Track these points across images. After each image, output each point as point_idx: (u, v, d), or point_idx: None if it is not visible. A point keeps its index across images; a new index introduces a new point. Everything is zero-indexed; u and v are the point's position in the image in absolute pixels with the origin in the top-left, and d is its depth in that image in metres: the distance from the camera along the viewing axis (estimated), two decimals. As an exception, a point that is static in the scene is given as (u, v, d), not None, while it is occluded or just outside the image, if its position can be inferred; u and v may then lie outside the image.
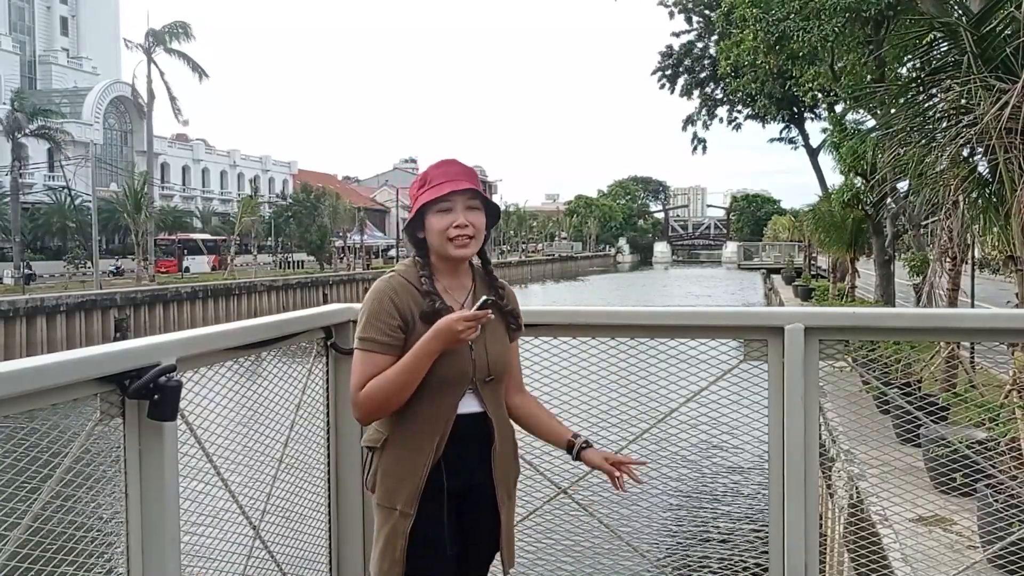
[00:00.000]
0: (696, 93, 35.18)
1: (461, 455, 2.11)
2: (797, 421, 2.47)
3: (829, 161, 22.25)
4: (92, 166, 37.17)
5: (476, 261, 2.24)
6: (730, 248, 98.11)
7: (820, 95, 24.16)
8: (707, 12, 32.21)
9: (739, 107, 34.52)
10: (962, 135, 5.38)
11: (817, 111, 30.65)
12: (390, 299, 2.07)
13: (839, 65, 19.63)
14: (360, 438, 2.73)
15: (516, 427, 2.30)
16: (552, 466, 2.77)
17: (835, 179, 24.37)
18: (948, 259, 8.55)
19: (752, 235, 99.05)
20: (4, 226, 40.35)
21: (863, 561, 3.11)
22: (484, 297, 2.03)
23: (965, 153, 5.81)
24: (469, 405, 2.13)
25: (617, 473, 2.15)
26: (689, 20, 34.28)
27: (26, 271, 34.49)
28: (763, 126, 34.01)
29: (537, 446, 2.76)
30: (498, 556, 2.20)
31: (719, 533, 6.96)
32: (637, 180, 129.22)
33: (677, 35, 35.02)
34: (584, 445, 2.20)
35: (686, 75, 35.18)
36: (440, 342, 1.98)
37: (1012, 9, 5.23)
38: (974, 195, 6.09)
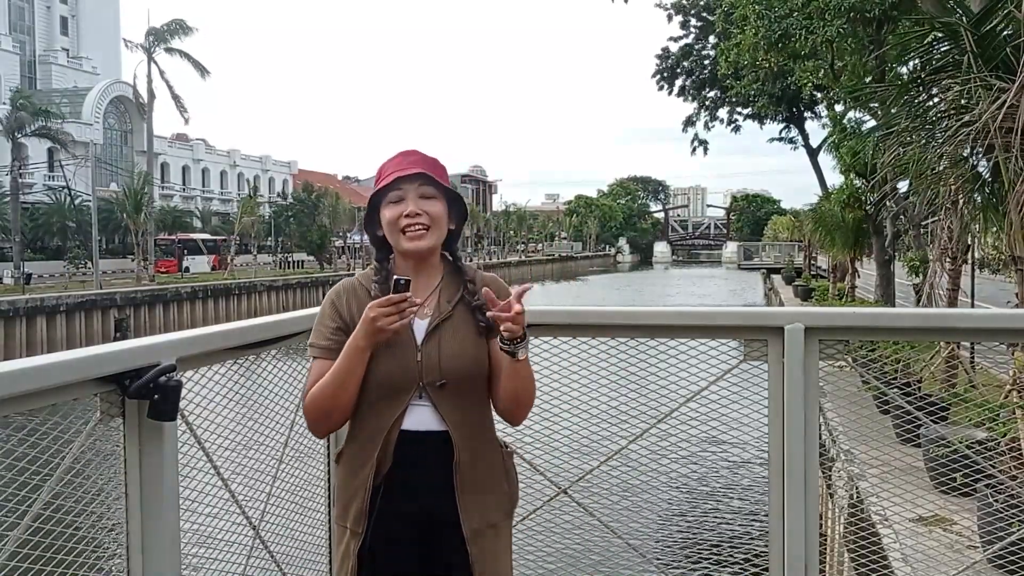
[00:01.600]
0: (694, 95, 35.21)
1: (408, 476, 1.87)
2: (797, 421, 2.46)
3: (829, 161, 22.30)
4: (92, 166, 37.19)
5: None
6: (730, 248, 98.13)
7: (819, 93, 24.16)
8: (705, 15, 32.24)
9: (739, 108, 34.56)
10: (960, 134, 5.38)
11: (816, 110, 30.70)
12: (331, 302, 1.96)
13: (839, 64, 19.64)
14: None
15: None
16: (552, 466, 2.77)
17: (835, 179, 24.40)
18: (948, 259, 8.55)
19: (752, 235, 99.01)
20: (4, 226, 40.36)
21: (863, 561, 3.11)
22: (396, 276, 1.80)
23: (965, 153, 5.80)
24: (423, 421, 1.88)
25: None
26: (686, 24, 34.30)
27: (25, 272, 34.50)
28: (760, 127, 34.11)
29: (537, 445, 2.76)
30: None
31: (719, 533, 6.96)
32: (637, 180, 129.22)
33: (676, 39, 35.06)
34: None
35: (684, 77, 35.20)
36: (363, 334, 1.79)
37: (1011, 8, 5.23)
38: (974, 195, 6.09)
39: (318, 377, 1.88)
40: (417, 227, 1.90)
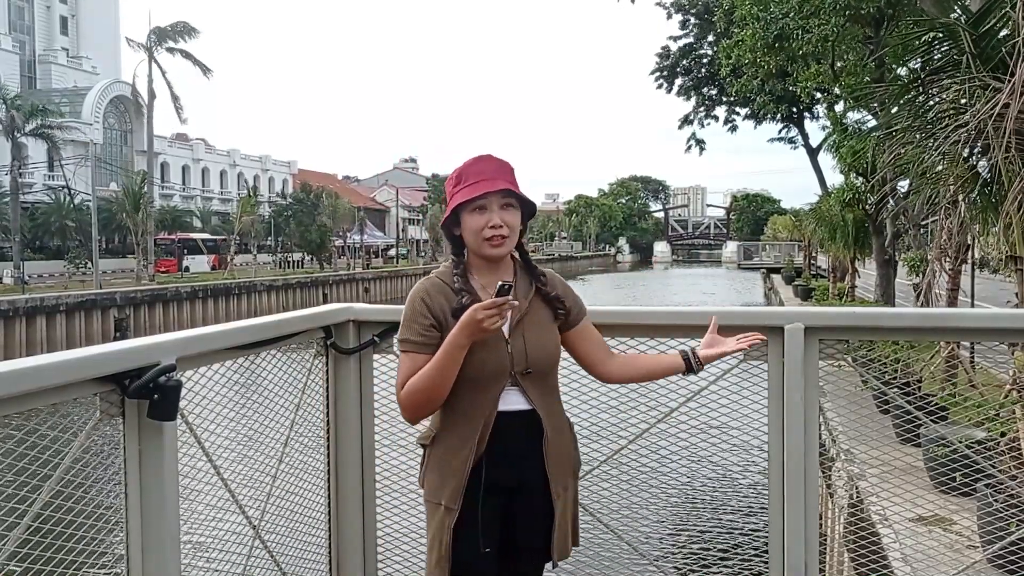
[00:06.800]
0: (693, 94, 35.18)
1: (505, 451, 2.12)
2: (797, 421, 2.47)
3: (829, 160, 22.27)
4: (92, 166, 37.16)
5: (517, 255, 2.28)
6: (730, 248, 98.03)
7: (819, 94, 24.13)
8: (705, 15, 32.22)
9: (737, 108, 34.55)
10: (955, 135, 5.37)
11: (815, 111, 30.67)
12: (421, 300, 2.12)
13: (839, 65, 19.63)
14: (359, 439, 2.74)
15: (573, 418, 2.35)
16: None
17: (835, 179, 24.39)
18: (947, 259, 8.55)
19: (752, 235, 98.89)
20: (4, 226, 40.30)
21: (863, 561, 3.11)
22: (500, 282, 2.01)
23: (965, 153, 5.80)
24: (514, 402, 2.13)
25: (745, 346, 2.24)
26: (685, 23, 34.28)
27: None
28: (754, 127, 34.09)
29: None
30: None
31: (719, 532, 6.97)
32: (637, 180, 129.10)
33: (676, 39, 35.03)
34: (694, 354, 2.27)
35: (684, 76, 35.17)
36: (465, 334, 1.99)
37: (1008, 9, 5.22)
38: (974, 195, 6.09)
39: (412, 370, 2.08)
40: (498, 238, 2.13)
